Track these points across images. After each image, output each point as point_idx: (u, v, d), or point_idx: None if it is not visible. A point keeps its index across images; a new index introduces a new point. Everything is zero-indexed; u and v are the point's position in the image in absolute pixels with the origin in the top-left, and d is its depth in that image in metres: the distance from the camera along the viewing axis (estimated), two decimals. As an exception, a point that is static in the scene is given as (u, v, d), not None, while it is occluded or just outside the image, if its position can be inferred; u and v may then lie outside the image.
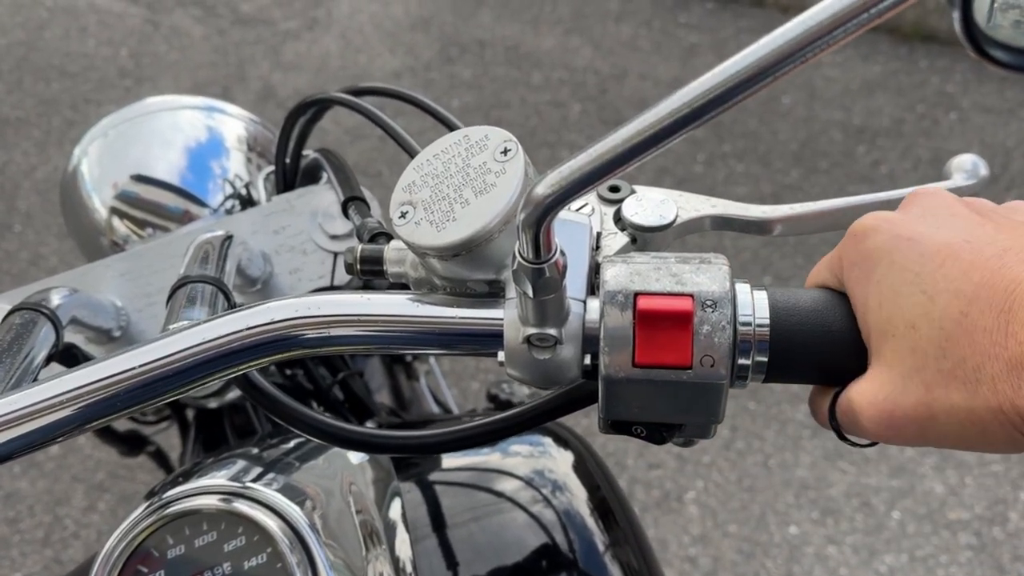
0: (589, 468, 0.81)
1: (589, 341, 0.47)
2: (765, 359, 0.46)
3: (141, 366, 0.48)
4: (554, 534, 0.76)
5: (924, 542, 1.99)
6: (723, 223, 0.57)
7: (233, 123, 0.99)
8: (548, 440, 0.82)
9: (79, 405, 0.46)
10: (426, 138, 0.54)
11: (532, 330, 0.46)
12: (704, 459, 2.13)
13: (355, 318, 0.49)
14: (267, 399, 0.56)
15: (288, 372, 0.93)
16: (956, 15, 0.34)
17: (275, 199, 0.83)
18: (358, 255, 0.55)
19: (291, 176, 0.86)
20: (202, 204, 0.93)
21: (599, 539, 0.77)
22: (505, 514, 0.76)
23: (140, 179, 0.92)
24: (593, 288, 0.50)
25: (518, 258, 0.43)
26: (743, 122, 2.97)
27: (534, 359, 0.47)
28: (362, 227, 0.61)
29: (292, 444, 0.74)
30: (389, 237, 0.59)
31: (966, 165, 0.59)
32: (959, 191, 0.59)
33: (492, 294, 0.50)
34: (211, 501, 0.60)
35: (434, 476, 0.81)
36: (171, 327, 0.52)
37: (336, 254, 0.80)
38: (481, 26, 3.41)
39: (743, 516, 2.03)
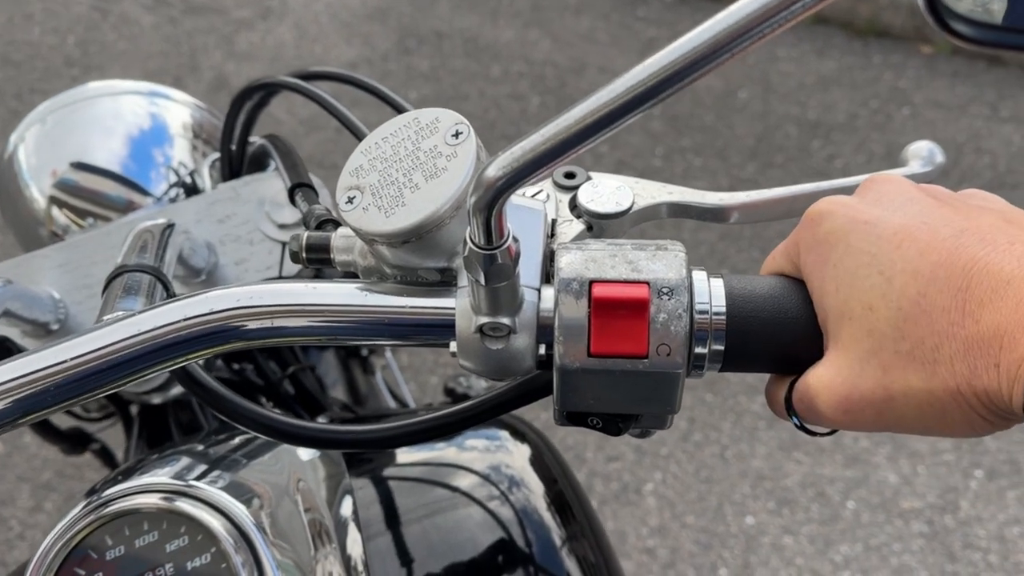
0: (546, 461, 0.80)
1: (543, 330, 0.46)
2: (722, 347, 0.45)
3: (73, 359, 0.45)
4: (510, 529, 0.75)
5: (878, 531, 2.01)
6: (679, 210, 0.56)
7: (178, 109, 0.95)
8: (504, 434, 0.80)
9: (7, 400, 0.44)
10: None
11: (485, 319, 0.45)
12: (662, 451, 2.13)
13: (299, 308, 0.47)
14: (208, 393, 0.54)
15: (236, 367, 0.90)
16: (920, -12, 0.33)
17: (220, 187, 0.80)
18: (303, 243, 0.53)
19: (237, 163, 0.83)
20: (145, 193, 0.90)
21: (556, 533, 0.76)
22: (460, 510, 0.75)
23: (80, 167, 0.88)
24: (548, 276, 0.48)
25: (469, 244, 0.41)
26: (700, 116, 2.98)
27: (487, 349, 0.46)
28: (309, 214, 0.58)
29: (238, 440, 0.72)
30: (337, 224, 0.57)
31: (922, 152, 0.58)
32: (915, 178, 0.59)
33: (444, 283, 0.49)
34: (152, 500, 0.57)
35: (388, 472, 0.79)
36: (105, 318, 0.50)
37: (284, 244, 0.78)
38: (439, 17, 3.38)
39: (700, 507, 2.04)
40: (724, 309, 0.45)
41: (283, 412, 0.56)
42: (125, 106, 0.93)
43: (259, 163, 0.84)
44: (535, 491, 0.77)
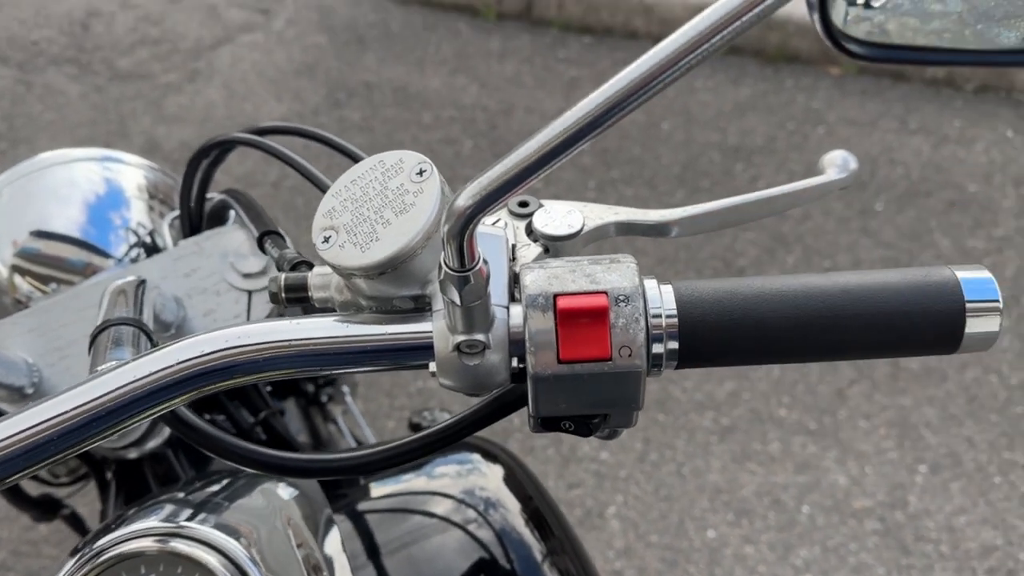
0: (520, 479, 0.83)
1: (515, 344, 0.50)
2: (676, 346, 0.50)
3: (76, 408, 0.47)
4: (492, 549, 0.77)
5: (834, 532, 2.08)
6: (626, 228, 0.61)
7: (131, 172, 0.98)
8: (476, 456, 0.83)
9: (17, 448, 0.46)
10: (331, 176, 0.56)
11: (461, 337, 0.49)
12: (621, 473, 2.18)
13: (285, 343, 0.51)
14: (200, 434, 0.57)
15: (207, 417, 0.92)
16: (815, 16, 0.39)
17: (183, 243, 0.83)
18: (282, 283, 0.56)
19: (197, 219, 0.86)
20: (106, 255, 0.91)
21: (536, 549, 0.78)
22: (443, 534, 0.77)
23: (40, 235, 0.90)
24: (513, 296, 0.52)
25: (444, 268, 0.45)
26: (627, 149, 3.08)
27: (465, 366, 0.50)
28: (281, 258, 0.62)
29: (217, 487, 0.74)
30: (310, 265, 0.60)
31: (837, 160, 0.65)
32: (832, 184, 0.65)
33: (418, 309, 0.52)
34: (146, 543, 0.59)
35: (368, 504, 0.82)
36: (99, 368, 0.52)
37: (250, 292, 0.81)
38: (367, 69, 3.44)
39: (663, 525, 2.08)
40: (675, 312, 0.50)
41: (266, 447, 0.59)
42: (79, 173, 0.95)
43: (218, 218, 0.87)
44: (512, 509, 0.80)
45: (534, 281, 0.49)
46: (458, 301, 0.46)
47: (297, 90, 3.34)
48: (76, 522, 1.09)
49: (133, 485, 0.90)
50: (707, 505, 2.12)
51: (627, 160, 3.04)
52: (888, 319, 0.50)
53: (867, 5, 0.49)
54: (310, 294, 0.56)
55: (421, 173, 0.51)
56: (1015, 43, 0.54)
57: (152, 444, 0.83)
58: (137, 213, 0.95)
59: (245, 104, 3.26)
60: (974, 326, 0.50)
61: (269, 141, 0.78)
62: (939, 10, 0.53)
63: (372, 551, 0.77)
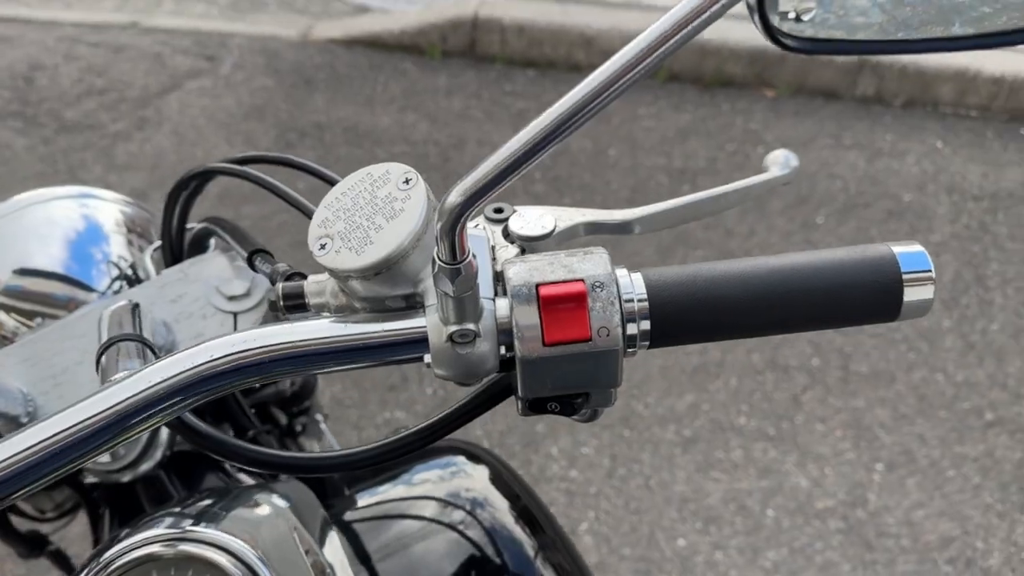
0: (506, 479, 0.87)
1: (503, 333, 0.55)
2: (648, 327, 0.55)
3: (100, 413, 0.51)
4: (485, 547, 0.80)
5: (799, 533, 2.14)
6: (594, 228, 0.67)
7: (108, 207, 1.01)
8: (461, 459, 0.87)
9: (49, 452, 0.49)
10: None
11: (454, 328, 0.53)
12: (591, 490, 2.22)
13: (289, 345, 0.55)
14: (208, 439, 0.60)
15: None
16: (756, 18, 0.45)
17: (167, 271, 0.86)
18: (280, 292, 0.60)
19: (178, 249, 0.89)
20: (89, 289, 0.94)
21: (529, 545, 0.82)
22: (437, 535, 0.80)
23: (23, 272, 0.92)
24: (496, 291, 0.57)
25: (438, 262, 0.50)
26: (578, 176, 3.17)
27: (457, 355, 0.54)
28: (274, 272, 0.66)
29: (214, 499, 0.76)
30: (303, 276, 0.64)
31: (779, 159, 0.71)
32: (776, 180, 0.71)
33: (410, 307, 0.57)
34: (157, 548, 0.62)
35: (358, 512, 0.85)
36: (113, 378, 0.55)
37: (236, 314, 0.84)
38: (316, 110, 3.48)
39: (634, 538, 2.13)
40: (646, 296, 0.56)
41: (274, 448, 0.63)
42: (57, 211, 0.97)
43: (199, 246, 0.90)
44: (502, 508, 0.83)
45: (517, 273, 0.54)
46: (451, 292, 0.51)
47: (248, 133, 3.37)
48: (62, 559, 1.10)
49: (126, 509, 0.92)
50: (676, 515, 2.17)
51: (578, 187, 3.12)
52: (835, 292, 0.56)
53: (798, 19, 0.55)
54: (307, 300, 0.60)
55: (407, 182, 0.56)
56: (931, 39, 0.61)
57: (145, 466, 0.86)
58: (117, 247, 0.98)
59: (195, 149, 3.28)
60: (911, 295, 0.56)
61: (248, 169, 0.81)
62: (862, 22, 0.61)
63: (369, 556, 0.80)
